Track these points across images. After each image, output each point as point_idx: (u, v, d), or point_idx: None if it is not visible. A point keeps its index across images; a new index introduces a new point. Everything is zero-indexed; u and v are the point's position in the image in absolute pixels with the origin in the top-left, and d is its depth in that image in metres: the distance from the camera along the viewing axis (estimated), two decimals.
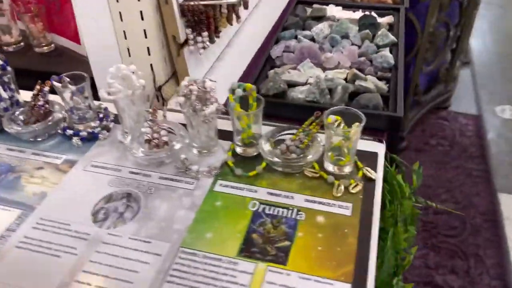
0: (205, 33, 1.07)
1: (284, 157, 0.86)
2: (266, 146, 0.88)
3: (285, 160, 0.86)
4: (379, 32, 1.24)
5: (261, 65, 1.14)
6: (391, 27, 1.33)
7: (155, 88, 1.09)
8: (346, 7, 1.46)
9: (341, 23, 1.26)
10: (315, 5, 1.39)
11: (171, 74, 1.13)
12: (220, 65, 1.25)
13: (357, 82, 1.05)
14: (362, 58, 1.13)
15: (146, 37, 1.02)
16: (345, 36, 1.23)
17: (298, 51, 1.14)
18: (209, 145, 0.92)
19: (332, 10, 1.43)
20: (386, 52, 1.16)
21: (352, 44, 1.22)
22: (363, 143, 0.94)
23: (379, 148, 0.93)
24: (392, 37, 1.22)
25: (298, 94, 1.02)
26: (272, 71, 1.11)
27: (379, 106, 0.98)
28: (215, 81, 0.88)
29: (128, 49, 1.02)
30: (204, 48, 1.09)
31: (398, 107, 0.97)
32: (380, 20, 1.39)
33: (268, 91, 1.02)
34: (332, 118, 0.84)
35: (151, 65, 1.07)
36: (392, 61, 1.13)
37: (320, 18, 1.37)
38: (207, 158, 0.92)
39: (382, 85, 1.06)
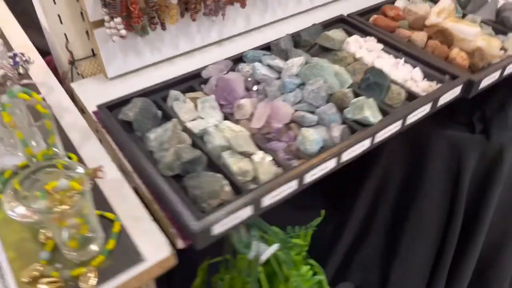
0: (118, 19, 0.88)
1: None
2: None
3: None
4: (353, 100, 0.81)
5: (173, 81, 0.89)
6: (410, 98, 0.86)
7: (68, 61, 0.98)
8: (389, 46, 1.00)
9: (315, 65, 0.86)
10: (331, 32, 0.99)
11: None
12: (169, 65, 1.04)
13: (225, 154, 0.72)
14: (275, 126, 0.77)
15: (55, 3, 0.91)
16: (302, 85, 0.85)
17: (217, 82, 0.84)
18: None
19: (363, 46, 1.00)
20: (317, 131, 0.76)
21: (303, 101, 0.83)
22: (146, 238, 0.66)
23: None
24: (365, 115, 0.78)
25: (152, 134, 0.76)
26: (172, 92, 0.86)
27: (202, 199, 0.65)
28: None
29: (44, 11, 0.92)
30: (121, 36, 0.90)
31: (207, 221, 0.62)
32: (413, 85, 0.91)
33: (119, 114, 0.79)
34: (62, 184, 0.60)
35: (65, 34, 0.95)
36: (312, 148, 0.73)
37: (328, 51, 0.98)
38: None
39: (262, 173, 0.70)
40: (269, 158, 0.73)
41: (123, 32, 0.90)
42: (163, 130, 0.74)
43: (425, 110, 0.85)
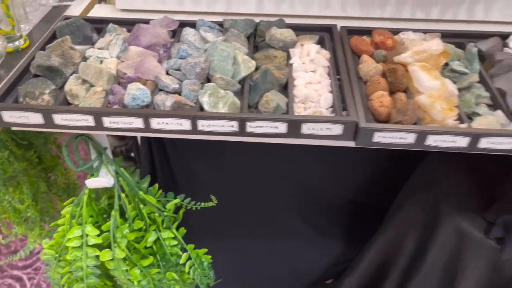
0: None
1: None
2: None
3: None
4: (207, 84, 0.78)
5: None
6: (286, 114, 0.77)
7: None
8: (335, 66, 0.87)
9: (213, 45, 0.85)
10: (282, 30, 0.92)
11: None
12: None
13: (72, 76, 0.83)
14: (129, 75, 0.82)
15: None
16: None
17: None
18: None
19: (311, 55, 0.91)
20: (143, 91, 0.78)
21: (181, 69, 0.84)
22: None
23: None
24: (201, 100, 0.76)
25: None
26: (112, 25, 0.99)
27: (20, 94, 0.79)
28: None
29: None
30: None
31: None
32: (310, 106, 0.81)
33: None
34: None
35: None
36: (127, 100, 0.77)
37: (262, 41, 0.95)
38: None
39: (84, 101, 0.79)
40: (101, 95, 0.81)
41: None
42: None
43: (279, 129, 0.76)
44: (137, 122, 0.77)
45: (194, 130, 0.77)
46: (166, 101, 0.78)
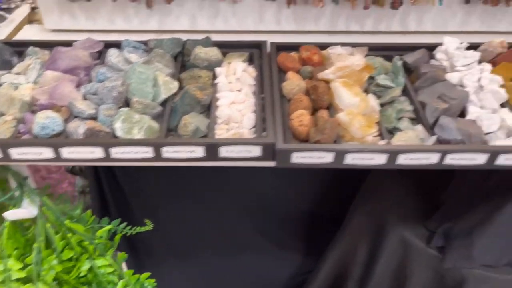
0: None
1: None
2: None
3: None
4: (123, 109, 0.75)
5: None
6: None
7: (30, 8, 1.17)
8: (261, 84, 0.86)
9: (131, 67, 0.83)
10: (208, 49, 0.90)
11: None
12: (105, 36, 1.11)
13: None
14: (42, 102, 0.78)
15: None
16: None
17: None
18: None
19: (237, 74, 0.90)
20: (54, 119, 0.75)
21: (97, 93, 0.82)
22: None
23: None
24: (114, 126, 0.73)
25: None
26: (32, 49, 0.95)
27: None
28: None
29: None
30: None
31: None
32: (233, 127, 0.79)
33: None
34: None
35: None
36: (35, 129, 0.73)
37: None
38: None
39: None
40: (11, 125, 0.77)
41: None
42: None
43: (197, 153, 0.74)
44: (47, 152, 0.73)
45: (108, 158, 0.74)
46: (78, 128, 0.75)
